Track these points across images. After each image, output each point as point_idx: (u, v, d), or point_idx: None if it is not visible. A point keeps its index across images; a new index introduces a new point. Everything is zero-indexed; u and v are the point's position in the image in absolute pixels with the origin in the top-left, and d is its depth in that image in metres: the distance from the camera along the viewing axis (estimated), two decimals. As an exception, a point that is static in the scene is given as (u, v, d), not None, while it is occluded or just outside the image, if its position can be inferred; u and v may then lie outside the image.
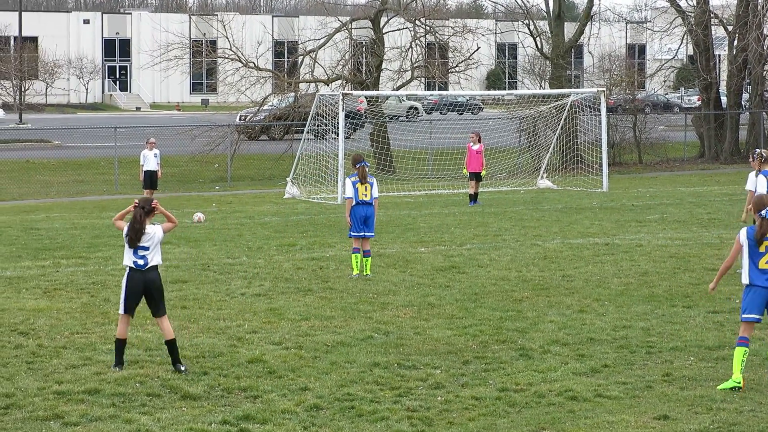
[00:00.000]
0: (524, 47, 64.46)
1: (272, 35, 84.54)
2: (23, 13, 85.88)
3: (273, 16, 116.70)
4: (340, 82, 47.51)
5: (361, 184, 20.49)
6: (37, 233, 26.96)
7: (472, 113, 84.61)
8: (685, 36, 54.16)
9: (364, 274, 20.37)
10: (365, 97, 47.19)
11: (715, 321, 16.30)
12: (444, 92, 73.61)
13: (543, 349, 14.62)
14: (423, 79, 54.67)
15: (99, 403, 12.19)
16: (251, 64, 47.19)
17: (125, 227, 13.60)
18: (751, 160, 20.34)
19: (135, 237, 13.49)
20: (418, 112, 79.65)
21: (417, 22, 48.16)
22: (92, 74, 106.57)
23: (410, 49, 48.38)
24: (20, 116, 76.80)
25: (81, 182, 43.14)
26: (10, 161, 46.63)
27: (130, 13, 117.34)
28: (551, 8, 52.22)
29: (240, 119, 53.86)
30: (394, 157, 46.03)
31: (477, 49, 52.59)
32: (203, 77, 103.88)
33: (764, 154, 19.98)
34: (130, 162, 40.85)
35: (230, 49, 47.21)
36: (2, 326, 16.04)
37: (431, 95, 79.81)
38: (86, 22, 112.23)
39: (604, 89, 43.77)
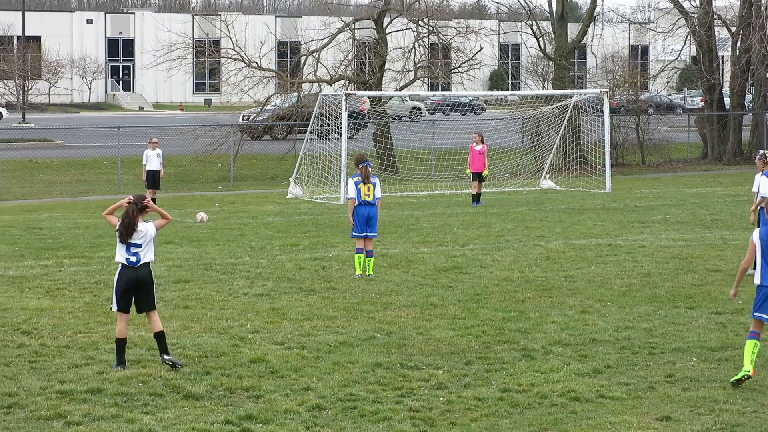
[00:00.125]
0: (527, 48, 64.33)
1: (275, 35, 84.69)
2: (26, 12, 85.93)
3: (276, 16, 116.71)
4: (343, 82, 47.51)
5: (364, 184, 20.49)
6: (40, 233, 26.99)
7: (475, 114, 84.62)
8: (689, 37, 54.12)
9: (367, 274, 20.37)
10: (368, 97, 47.19)
11: (718, 322, 16.29)
12: (447, 93, 73.57)
13: (545, 350, 14.62)
14: (426, 80, 54.73)
15: (101, 402, 12.19)
16: (254, 64, 47.20)
17: (117, 222, 13.64)
18: (757, 160, 20.36)
19: (126, 233, 13.51)
20: (421, 113, 79.65)
21: (420, 22, 48.16)
22: (95, 74, 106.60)
23: (413, 50, 48.37)
24: (23, 116, 76.84)
25: (84, 182, 43.15)
26: (13, 161, 46.65)
27: (134, 13, 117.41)
28: (554, 9, 52.23)
29: (243, 119, 53.86)
30: (397, 158, 46.03)
31: (480, 50, 52.58)
32: (206, 77, 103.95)
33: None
34: (133, 162, 40.86)
35: (233, 49, 47.23)
36: (5, 325, 16.05)
37: (434, 96, 79.85)
38: (89, 21, 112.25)
39: (607, 90, 43.79)
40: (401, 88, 49.26)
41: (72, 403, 12.13)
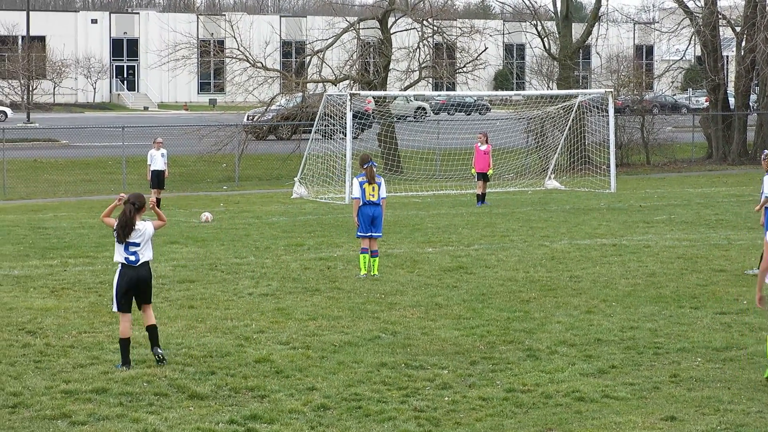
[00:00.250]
0: (532, 48, 64.47)
1: (280, 35, 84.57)
2: (31, 12, 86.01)
3: (281, 16, 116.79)
4: (347, 82, 47.53)
5: (369, 184, 20.49)
6: (44, 232, 27.00)
7: (480, 114, 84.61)
8: (693, 37, 54.12)
9: (372, 274, 20.37)
10: (373, 97, 47.21)
11: (723, 322, 16.28)
12: (452, 93, 73.61)
13: (550, 350, 14.61)
14: (431, 80, 54.66)
15: (106, 402, 12.20)
16: (259, 64, 47.23)
17: (114, 223, 13.65)
18: (762, 160, 20.34)
19: (123, 233, 13.53)
20: (426, 113, 79.67)
21: (425, 22, 48.15)
22: (100, 74, 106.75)
23: (418, 50, 48.38)
24: (28, 115, 76.93)
25: (89, 182, 43.20)
26: (18, 160, 46.70)
27: (138, 13, 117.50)
28: (559, 9, 52.20)
29: (248, 119, 53.91)
30: (402, 158, 46.04)
31: (485, 50, 52.58)
32: (211, 77, 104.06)
33: (773, 155, 20.00)
34: (138, 161, 40.88)
35: (238, 49, 47.24)
36: (10, 325, 16.06)
37: (439, 95, 79.80)
38: (94, 21, 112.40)
39: (612, 90, 43.78)
40: (406, 88, 49.27)
41: (77, 403, 12.14)
